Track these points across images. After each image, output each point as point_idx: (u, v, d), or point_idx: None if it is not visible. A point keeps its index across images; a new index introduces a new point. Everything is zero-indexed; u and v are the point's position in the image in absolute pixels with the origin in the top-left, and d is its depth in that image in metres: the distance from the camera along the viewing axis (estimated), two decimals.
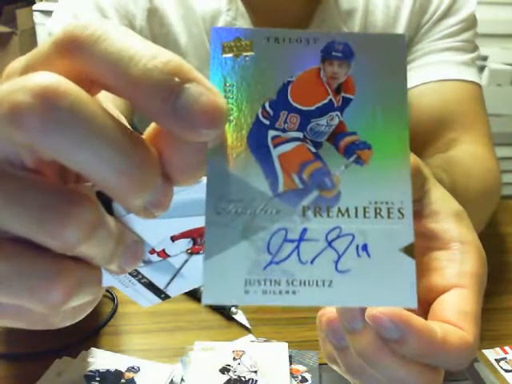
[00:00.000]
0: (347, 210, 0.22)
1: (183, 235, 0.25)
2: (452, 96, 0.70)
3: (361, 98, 0.23)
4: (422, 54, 0.72)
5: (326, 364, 0.50)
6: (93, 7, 0.67)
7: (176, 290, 0.26)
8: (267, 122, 0.23)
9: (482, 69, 1.52)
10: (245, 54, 0.22)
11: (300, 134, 0.23)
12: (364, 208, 0.22)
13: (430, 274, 0.31)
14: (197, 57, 0.70)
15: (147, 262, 0.25)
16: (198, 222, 0.24)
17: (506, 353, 0.54)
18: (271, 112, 0.23)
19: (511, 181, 1.49)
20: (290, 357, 0.51)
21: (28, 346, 0.53)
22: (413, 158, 0.31)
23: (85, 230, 0.19)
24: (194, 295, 0.61)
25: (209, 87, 0.20)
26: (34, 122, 0.18)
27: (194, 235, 0.25)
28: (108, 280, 0.24)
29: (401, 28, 0.72)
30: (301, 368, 0.51)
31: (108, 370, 0.50)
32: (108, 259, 0.21)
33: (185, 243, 0.25)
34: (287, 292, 0.22)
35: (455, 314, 0.28)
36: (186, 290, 0.27)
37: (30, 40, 1.69)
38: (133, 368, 0.50)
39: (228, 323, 0.58)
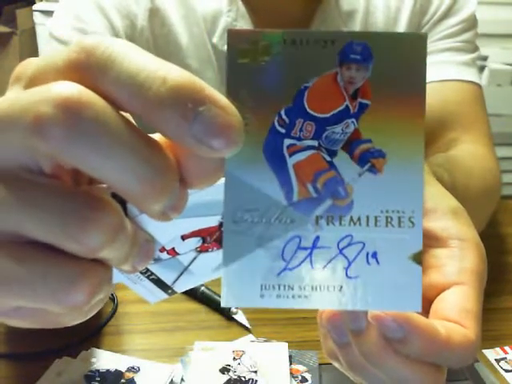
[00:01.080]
0: (359, 218, 0.23)
1: (193, 234, 0.25)
2: (452, 96, 0.70)
3: (377, 104, 0.23)
4: None
5: (326, 364, 0.50)
6: (94, 7, 0.66)
7: (183, 285, 0.27)
8: (283, 131, 0.23)
9: (482, 69, 1.52)
10: (261, 58, 0.22)
11: (315, 143, 0.23)
12: (375, 217, 0.23)
13: (429, 271, 0.31)
14: (197, 57, 0.70)
15: (157, 260, 0.26)
16: (208, 221, 0.24)
17: (506, 353, 0.54)
18: (287, 120, 0.23)
19: (511, 181, 1.49)
20: (290, 357, 0.51)
21: (28, 345, 0.53)
22: None
23: (108, 234, 0.19)
24: (194, 295, 0.61)
25: (222, 106, 0.19)
26: (57, 133, 0.18)
27: (204, 234, 0.25)
28: (118, 277, 0.24)
29: (401, 29, 0.72)
30: (301, 368, 0.51)
31: (108, 370, 0.50)
32: (123, 260, 0.22)
33: (194, 242, 0.25)
34: (300, 296, 0.23)
35: (456, 312, 0.28)
36: (193, 286, 0.27)
37: (30, 40, 1.68)
38: (133, 368, 0.50)
39: (228, 323, 0.58)
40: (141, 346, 0.55)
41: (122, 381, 0.48)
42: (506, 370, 0.51)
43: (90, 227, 0.19)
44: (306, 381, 0.49)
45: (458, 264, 0.30)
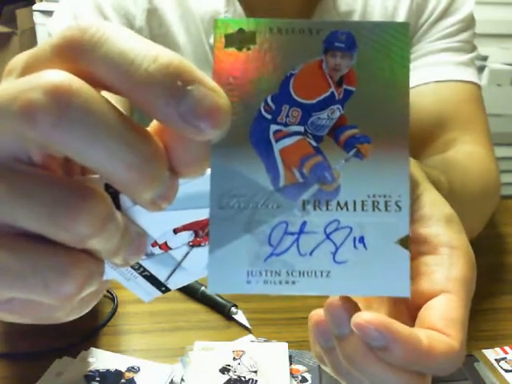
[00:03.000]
0: (346, 203, 0.23)
1: (185, 228, 0.25)
2: (451, 96, 0.70)
3: (362, 90, 0.23)
4: (420, 54, 0.72)
5: None
6: (93, 7, 0.67)
7: (177, 282, 0.27)
8: (269, 117, 0.23)
9: (481, 69, 1.52)
10: (248, 45, 0.22)
11: (301, 128, 0.23)
12: (362, 201, 0.23)
13: (418, 278, 0.31)
14: (195, 57, 0.70)
15: (149, 255, 0.25)
16: (201, 214, 0.24)
17: (506, 353, 0.54)
18: (273, 106, 0.23)
19: (511, 181, 1.49)
20: (290, 357, 0.51)
21: (28, 345, 0.53)
22: None
23: (97, 224, 0.20)
24: (193, 295, 0.61)
25: (211, 87, 0.20)
26: (47, 120, 0.18)
27: (196, 228, 0.25)
28: (111, 273, 0.24)
29: None
30: (301, 368, 0.51)
31: (108, 370, 0.50)
32: (113, 252, 0.22)
33: (186, 236, 0.25)
34: (287, 282, 0.23)
35: (441, 321, 0.28)
36: (186, 283, 0.27)
37: (30, 40, 1.69)
38: (133, 368, 0.50)
39: (228, 323, 0.58)
40: (141, 346, 0.55)
41: (122, 381, 0.49)
42: (506, 370, 0.51)
43: (78, 216, 0.19)
44: (306, 381, 0.49)
45: (446, 272, 0.30)
